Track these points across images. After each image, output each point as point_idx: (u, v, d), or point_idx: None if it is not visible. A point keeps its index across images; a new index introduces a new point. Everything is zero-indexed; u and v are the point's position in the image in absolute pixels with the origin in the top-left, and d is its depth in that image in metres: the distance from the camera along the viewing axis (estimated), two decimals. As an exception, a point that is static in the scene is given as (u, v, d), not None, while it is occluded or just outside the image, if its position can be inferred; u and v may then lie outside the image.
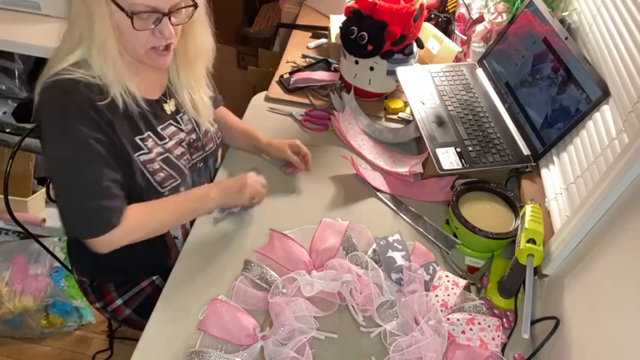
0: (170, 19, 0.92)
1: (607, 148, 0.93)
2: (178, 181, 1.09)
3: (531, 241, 0.93)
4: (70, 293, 1.76)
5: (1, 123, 1.80)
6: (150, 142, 1.03)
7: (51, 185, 1.77)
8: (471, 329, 0.93)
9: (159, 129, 1.06)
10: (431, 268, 1.06)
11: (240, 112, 1.41)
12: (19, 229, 1.35)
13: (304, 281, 1.00)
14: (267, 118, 1.44)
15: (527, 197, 1.12)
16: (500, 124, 1.28)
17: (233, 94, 1.48)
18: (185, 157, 1.11)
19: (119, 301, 1.21)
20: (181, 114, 1.11)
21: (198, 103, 1.12)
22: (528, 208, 0.98)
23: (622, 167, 0.83)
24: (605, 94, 1.01)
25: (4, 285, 1.71)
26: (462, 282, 1.02)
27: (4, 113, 1.79)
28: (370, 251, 1.09)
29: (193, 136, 1.13)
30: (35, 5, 1.54)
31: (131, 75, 0.97)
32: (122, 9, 0.87)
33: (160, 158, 1.05)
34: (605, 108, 1.01)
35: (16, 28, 1.50)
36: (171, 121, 1.09)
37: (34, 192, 1.79)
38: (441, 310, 0.97)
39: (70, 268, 1.28)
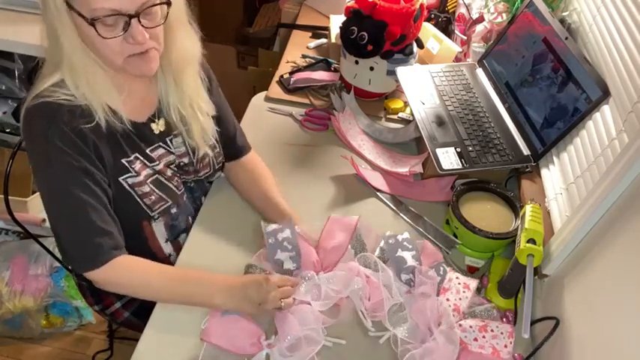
0: (140, 22, 0.83)
1: (607, 148, 0.93)
2: (169, 203, 1.05)
3: (531, 241, 0.93)
4: (70, 293, 1.76)
5: (1, 123, 1.80)
6: (137, 165, 0.98)
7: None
8: (483, 336, 0.92)
9: (147, 151, 1.00)
10: (441, 269, 1.04)
11: (240, 112, 1.41)
12: (19, 229, 1.35)
13: (311, 284, 0.97)
14: (267, 118, 1.44)
15: (527, 197, 1.12)
16: (500, 124, 1.28)
17: (233, 94, 1.48)
18: (175, 179, 1.06)
19: (118, 304, 1.21)
20: (172, 136, 1.04)
21: (191, 120, 1.02)
22: (528, 208, 0.98)
23: (622, 167, 0.83)
24: (605, 94, 1.01)
25: (4, 285, 1.71)
26: (473, 283, 1.00)
27: (4, 113, 1.79)
28: (378, 250, 1.08)
29: (185, 159, 1.07)
30: (35, 5, 1.54)
31: (114, 92, 0.91)
32: (82, 17, 0.80)
33: (149, 180, 1.00)
34: (605, 108, 1.01)
35: (16, 28, 1.50)
36: (160, 143, 1.02)
37: (34, 192, 1.79)
38: (453, 315, 0.95)
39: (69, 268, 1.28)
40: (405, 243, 1.07)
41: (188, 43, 0.97)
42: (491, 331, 0.93)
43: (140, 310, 1.20)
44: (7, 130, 1.81)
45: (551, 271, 1.00)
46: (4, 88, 1.77)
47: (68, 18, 0.81)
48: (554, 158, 1.13)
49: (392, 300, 0.98)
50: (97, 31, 0.81)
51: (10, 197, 1.33)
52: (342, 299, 0.99)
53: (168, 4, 0.86)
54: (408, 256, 1.04)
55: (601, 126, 0.99)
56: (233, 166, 1.19)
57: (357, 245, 1.08)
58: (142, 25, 0.83)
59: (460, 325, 0.94)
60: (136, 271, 0.95)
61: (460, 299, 0.98)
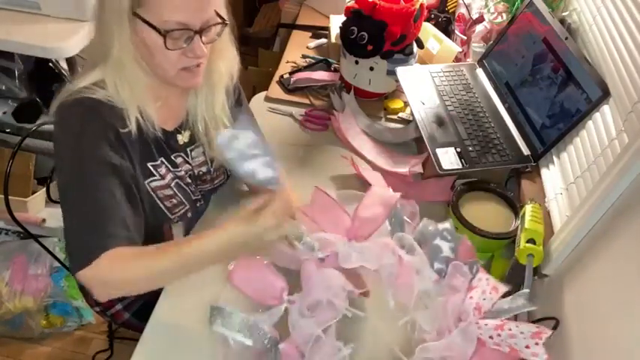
0: (201, 38, 0.87)
1: (607, 148, 0.93)
2: (187, 207, 1.06)
3: (531, 241, 0.93)
4: (70, 293, 1.76)
5: (1, 123, 1.80)
6: (163, 169, 1.00)
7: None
8: (498, 335, 0.86)
9: (172, 157, 1.02)
10: (475, 267, 0.97)
11: (240, 112, 1.41)
12: (19, 229, 1.35)
13: (343, 249, 0.93)
14: (267, 118, 1.44)
15: (527, 197, 1.12)
16: (500, 124, 1.28)
17: (233, 94, 1.48)
18: (192, 186, 1.08)
19: (119, 306, 1.20)
20: (193, 147, 1.06)
21: (214, 133, 1.04)
22: (528, 208, 0.98)
23: (622, 167, 0.83)
24: (605, 94, 1.01)
25: (4, 285, 1.71)
26: (502, 288, 0.92)
27: (4, 113, 1.79)
28: (415, 233, 1.02)
29: (203, 169, 1.09)
30: (35, 5, 1.54)
31: (151, 99, 0.93)
32: (154, 28, 0.83)
33: (173, 184, 1.02)
34: (605, 108, 1.01)
35: (16, 28, 1.50)
36: (181, 153, 1.04)
37: (34, 192, 1.79)
38: (474, 314, 0.91)
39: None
40: (444, 233, 1.00)
41: (229, 57, 1.01)
42: (509, 330, 0.86)
43: (141, 312, 1.20)
44: (7, 130, 1.80)
45: (551, 271, 0.99)
46: (4, 88, 1.77)
47: (128, 23, 0.83)
48: (554, 158, 1.13)
49: (420, 284, 0.94)
50: (165, 42, 0.84)
51: (10, 197, 1.33)
52: (371, 274, 0.94)
53: (225, 24, 0.91)
54: (445, 247, 0.99)
55: (601, 126, 0.99)
56: None
57: (395, 223, 1.02)
58: (202, 41, 0.87)
59: (477, 322, 0.89)
60: (128, 257, 0.84)
61: (484, 299, 0.92)
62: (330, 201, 1.02)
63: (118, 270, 0.83)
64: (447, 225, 1.02)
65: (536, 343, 0.83)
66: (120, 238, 0.85)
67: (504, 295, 0.92)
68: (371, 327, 0.95)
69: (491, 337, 0.87)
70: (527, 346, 0.84)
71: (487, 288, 0.94)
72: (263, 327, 0.85)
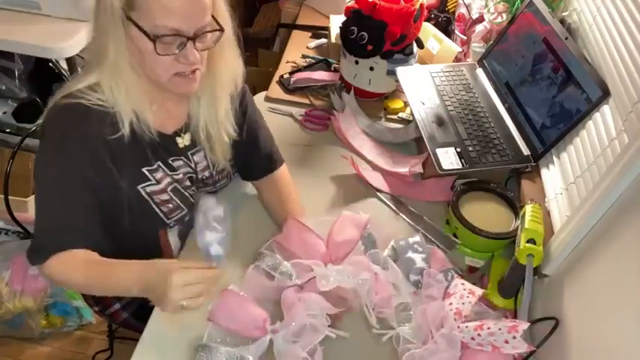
0: (195, 44, 0.85)
1: (607, 148, 0.93)
2: (185, 211, 1.05)
3: (531, 241, 0.93)
4: (70, 293, 1.76)
5: (1, 123, 1.80)
6: (159, 174, 0.99)
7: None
8: (479, 334, 0.90)
9: (169, 160, 1.01)
10: (449, 274, 1.03)
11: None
12: (19, 229, 1.35)
13: (320, 273, 0.96)
14: (267, 118, 1.42)
15: (527, 197, 1.12)
16: (500, 124, 1.28)
17: (233, 94, 1.48)
18: (192, 189, 1.07)
19: (117, 306, 1.21)
20: (194, 151, 1.05)
21: (216, 140, 1.03)
22: (528, 208, 0.98)
23: (622, 167, 0.83)
24: (605, 94, 1.01)
25: (4, 285, 1.71)
26: (479, 291, 0.97)
27: (4, 113, 1.79)
28: (388, 250, 1.08)
29: (206, 173, 1.09)
30: (35, 5, 1.54)
31: (146, 102, 0.92)
32: (145, 32, 0.81)
33: (169, 188, 1.01)
34: (605, 108, 1.01)
35: (16, 28, 1.50)
36: (182, 157, 1.03)
37: (34, 192, 1.79)
38: (455, 319, 0.93)
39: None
40: (415, 245, 1.07)
41: (232, 64, 0.99)
42: (488, 328, 0.90)
43: (139, 312, 1.20)
44: (7, 130, 1.80)
45: (551, 271, 0.99)
46: (4, 88, 1.77)
47: (122, 26, 0.82)
48: (554, 158, 1.13)
49: (399, 297, 0.98)
50: (155, 47, 0.82)
51: (10, 197, 1.33)
52: (350, 293, 0.98)
53: (222, 30, 0.88)
54: (417, 258, 1.05)
55: (601, 126, 0.99)
56: (264, 182, 1.16)
57: (368, 243, 1.08)
58: (195, 48, 0.86)
59: (458, 327, 0.93)
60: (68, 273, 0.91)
61: (463, 303, 0.95)
62: (304, 229, 1.04)
63: (61, 273, 0.90)
64: (416, 238, 1.09)
65: (514, 337, 0.87)
66: (72, 245, 0.89)
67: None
68: (357, 346, 0.96)
69: (473, 339, 0.90)
70: (506, 341, 0.87)
71: (464, 292, 0.97)
72: (250, 359, 0.88)
